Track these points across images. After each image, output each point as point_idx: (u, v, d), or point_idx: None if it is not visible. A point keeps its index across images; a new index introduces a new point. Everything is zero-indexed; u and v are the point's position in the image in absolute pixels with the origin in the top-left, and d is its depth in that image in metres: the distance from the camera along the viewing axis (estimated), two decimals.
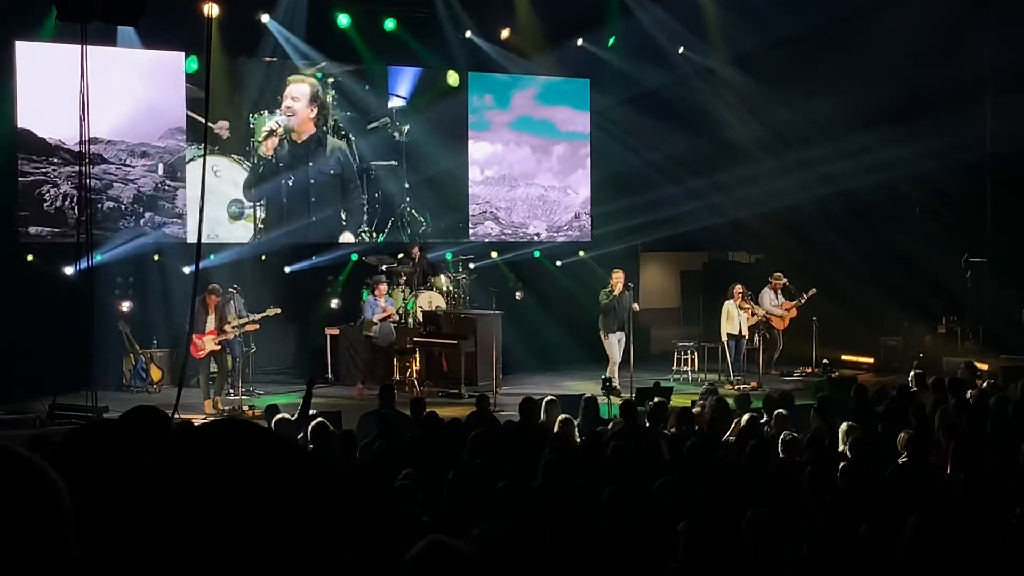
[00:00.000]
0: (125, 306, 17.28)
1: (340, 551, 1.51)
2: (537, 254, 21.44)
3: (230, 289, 15.69)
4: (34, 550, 1.38)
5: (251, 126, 18.55)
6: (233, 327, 15.28)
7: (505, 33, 20.05)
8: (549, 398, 12.02)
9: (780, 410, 11.05)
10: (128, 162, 17.56)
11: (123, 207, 17.51)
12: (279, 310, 15.89)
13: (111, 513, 1.51)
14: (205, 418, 14.21)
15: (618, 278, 16.71)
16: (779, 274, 18.78)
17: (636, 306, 16.76)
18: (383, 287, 17.03)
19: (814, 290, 18.39)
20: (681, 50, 21.01)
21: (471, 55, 20.09)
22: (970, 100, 18.54)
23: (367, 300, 17.09)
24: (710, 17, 20.17)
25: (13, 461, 1.43)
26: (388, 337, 16.78)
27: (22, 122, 16.63)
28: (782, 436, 9.57)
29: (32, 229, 16.77)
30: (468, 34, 19.77)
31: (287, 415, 11.06)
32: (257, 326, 15.75)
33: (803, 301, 18.45)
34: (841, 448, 9.65)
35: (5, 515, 1.37)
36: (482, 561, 2.83)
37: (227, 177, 18.34)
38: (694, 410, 11.64)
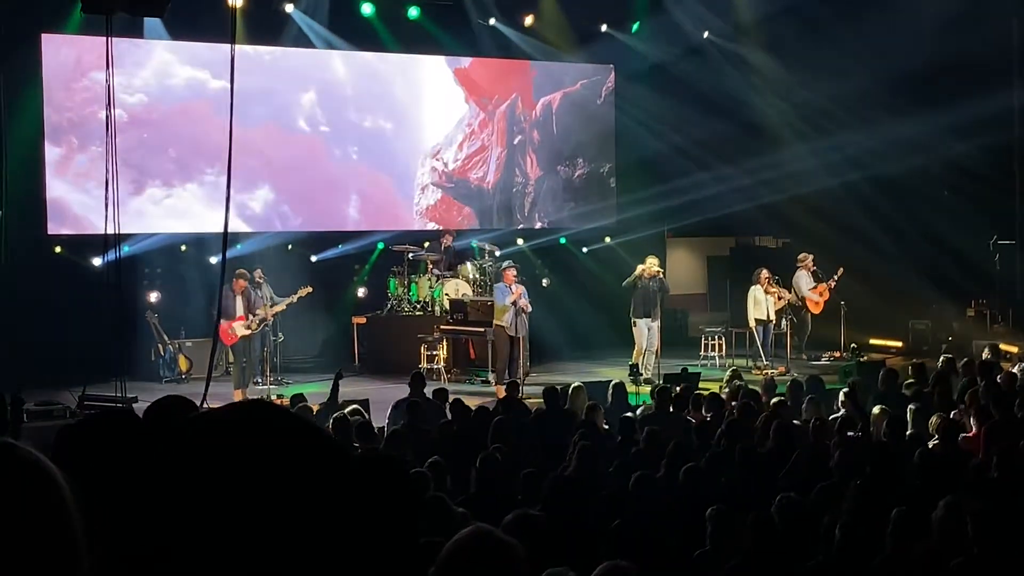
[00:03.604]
0: (153, 297, 17.39)
1: (364, 541, 1.50)
2: (563, 240, 21.42)
3: (257, 278, 15.72)
4: (39, 550, 1.38)
5: None
6: (262, 318, 15.30)
7: (528, 20, 19.99)
8: (576, 384, 12.01)
9: (811, 395, 11.03)
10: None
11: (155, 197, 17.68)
12: (311, 289, 15.91)
13: (122, 507, 1.49)
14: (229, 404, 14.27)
15: (649, 264, 16.63)
16: (806, 254, 18.64)
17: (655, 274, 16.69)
18: (511, 272, 16.18)
19: (841, 269, 18.26)
20: (706, 34, 20.90)
21: (495, 42, 20.04)
22: (998, 80, 18.37)
23: (497, 287, 16.28)
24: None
25: (13, 459, 1.42)
26: (523, 326, 16.09)
27: (49, 114, 16.75)
28: (812, 421, 9.56)
29: (53, 223, 16.88)
30: (492, 21, 19.73)
31: (309, 404, 11.11)
32: (283, 308, 15.75)
33: (833, 284, 18.33)
34: (872, 432, 9.62)
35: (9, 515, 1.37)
36: (524, 551, 2.82)
37: None
38: (723, 395, 11.62)
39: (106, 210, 12.55)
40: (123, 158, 15.41)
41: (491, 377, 16.11)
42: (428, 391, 12.09)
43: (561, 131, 21.39)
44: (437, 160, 20.31)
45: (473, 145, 20.72)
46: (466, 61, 20.43)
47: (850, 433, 9.24)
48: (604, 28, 20.73)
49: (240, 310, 15.11)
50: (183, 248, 17.90)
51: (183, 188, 17.95)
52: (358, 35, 18.78)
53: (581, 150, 21.60)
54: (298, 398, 11.70)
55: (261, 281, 15.79)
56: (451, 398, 11.61)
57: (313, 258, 18.96)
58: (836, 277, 18.31)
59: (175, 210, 17.80)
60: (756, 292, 17.66)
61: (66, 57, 16.83)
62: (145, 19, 16.19)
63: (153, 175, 17.73)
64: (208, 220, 17.65)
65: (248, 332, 15.16)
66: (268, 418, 1.51)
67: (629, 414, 10.70)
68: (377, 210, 19.84)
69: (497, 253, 19.19)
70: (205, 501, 1.41)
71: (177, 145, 17.87)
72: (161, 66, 17.71)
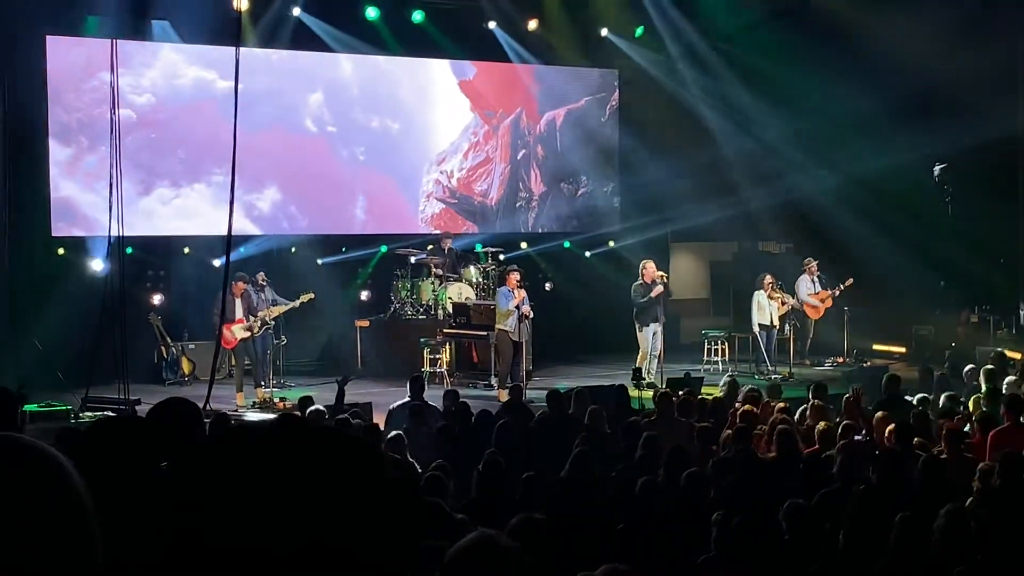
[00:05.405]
0: (156, 299, 17.39)
1: (366, 543, 1.49)
2: (567, 244, 21.41)
3: (260, 281, 15.68)
4: (59, 548, 1.37)
5: None
6: (264, 320, 15.26)
7: (532, 24, 19.98)
8: (578, 389, 12.00)
9: (816, 401, 11.01)
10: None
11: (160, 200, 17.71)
12: (312, 295, 15.90)
13: (130, 508, 1.49)
14: (235, 410, 14.29)
15: (652, 270, 16.61)
16: (810, 259, 18.68)
17: (659, 287, 16.58)
18: (515, 276, 16.07)
19: (851, 280, 18.28)
20: (709, 41, 20.87)
21: (499, 46, 20.03)
22: (1001, 90, 18.34)
23: (500, 291, 16.19)
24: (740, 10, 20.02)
25: (36, 457, 1.42)
26: (526, 331, 16.03)
27: (58, 115, 16.78)
28: (817, 427, 9.57)
29: (63, 223, 16.89)
30: (492, 25, 19.74)
31: (321, 407, 11.08)
32: (283, 311, 15.68)
33: (838, 292, 18.36)
34: (874, 437, 9.61)
35: (30, 511, 1.36)
36: (526, 557, 2.82)
37: None
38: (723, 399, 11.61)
39: (110, 212, 12.59)
40: (132, 158, 15.46)
41: (494, 381, 16.12)
42: (434, 394, 12.09)
43: (565, 148, 21.35)
44: (442, 172, 20.30)
45: (478, 156, 20.72)
46: (471, 72, 20.42)
47: (857, 437, 9.23)
48: (604, 32, 20.72)
49: (239, 313, 15.10)
50: (186, 250, 17.90)
51: (191, 188, 17.97)
52: (363, 38, 18.78)
53: (584, 168, 21.55)
54: (306, 401, 11.69)
55: (264, 284, 15.76)
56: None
57: (319, 261, 18.96)
58: (843, 286, 18.31)
59: (183, 210, 17.82)
60: (760, 297, 17.69)
61: (76, 57, 16.83)
62: (153, 22, 16.28)
63: (161, 175, 17.76)
64: (216, 221, 17.60)
65: (247, 335, 15.14)
66: (279, 429, 1.51)
67: (634, 418, 10.68)
68: (383, 212, 19.86)
69: (501, 257, 19.20)
70: (215, 504, 1.41)
71: (185, 145, 17.89)
72: (169, 66, 17.73)
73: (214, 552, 1.39)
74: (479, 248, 19.65)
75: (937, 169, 18.29)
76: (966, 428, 10.02)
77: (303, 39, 18.35)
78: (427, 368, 16.43)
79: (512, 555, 2.81)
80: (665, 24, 20.23)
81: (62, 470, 1.42)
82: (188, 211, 17.86)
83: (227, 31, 15.77)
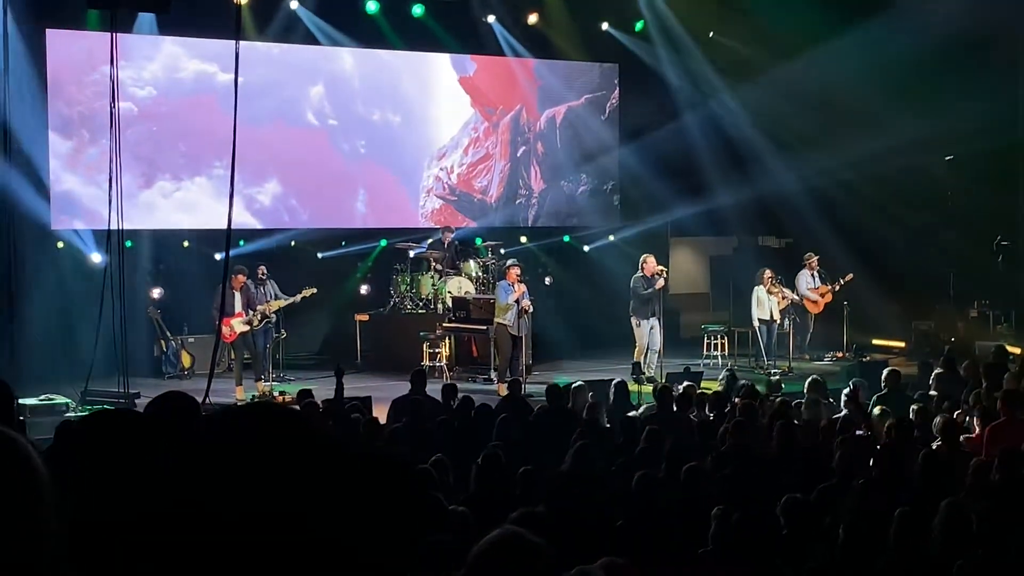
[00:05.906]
0: (156, 292, 17.39)
1: (367, 539, 1.49)
2: (567, 239, 21.41)
3: (260, 275, 15.67)
4: (9, 532, 1.37)
5: None
6: (264, 314, 15.25)
7: (532, 18, 19.97)
8: (577, 383, 12.00)
9: (814, 395, 11.01)
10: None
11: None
12: (315, 290, 15.89)
13: (122, 502, 1.49)
14: (235, 404, 14.28)
15: (652, 265, 16.59)
16: (811, 253, 18.67)
17: (661, 281, 16.54)
18: (515, 270, 16.05)
19: (851, 275, 18.25)
20: (712, 34, 20.83)
21: (499, 40, 20.02)
22: (1003, 79, 18.31)
23: (500, 285, 16.18)
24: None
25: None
26: (525, 325, 16.02)
27: (59, 108, 16.76)
28: (819, 421, 9.58)
29: (63, 216, 16.89)
30: (491, 19, 19.73)
31: (316, 400, 11.08)
32: (284, 304, 15.66)
33: (838, 287, 18.35)
34: (874, 432, 9.61)
35: None
36: (551, 552, 2.82)
37: None
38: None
39: (109, 205, 12.56)
40: (133, 151, 15.47)
41: (493, 375, 16.12)
42: (433, 388, 12.08)
43: (565, 146, 21.37)
44: (442, 169, 20.30)
45: (478, 153, 20.72)
46: (471, 68, 20.42)
47: (859, 432, 9.24)
48: (605, 27, 20.70)
49: (239, 307, 15.08)
50: (185, 244, 17.91)
51: (192, 182, 17.98)
52: (363, 32, 18.78)
53: (584, 166, 21.54)
54: (305, 394, 11.69)
55: (264, 278, 15.74)
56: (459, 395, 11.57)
57: (319, 255, 18.96)
58: (843, 281, 18.28)
59: (184, 203, 17.84)
60: (759, 292, 17.68)
61: (77, 51, 16.83)
62: (139, 14, 16.23)
63: (163, 168, 17.78)
64: (217, 214, 17.58)
65: (247, 329, 15.12)
66: (271, 422, 1.51)
67: (632, 413, 10.68)
68: (384, 206, 19.88)
69: (502, 251, 19.20)
70: (207, 500, 1.40)
71: (186, 138, 17.90)
72: (170, 59, 17.75)
73: (213, 550, 1.39)
74: (479, 242, 19.64)
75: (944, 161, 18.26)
76: (965, 423, 10.03)
77: (304, 32, 18.34)
78: (427, 362, 16.45)
79: (541, 551, 2.82)
80: (657, 17, 20.25)
81: (23, 454, 1.42)
82: (189, 204, 17.87)
83: (225, 24, 15.77)
